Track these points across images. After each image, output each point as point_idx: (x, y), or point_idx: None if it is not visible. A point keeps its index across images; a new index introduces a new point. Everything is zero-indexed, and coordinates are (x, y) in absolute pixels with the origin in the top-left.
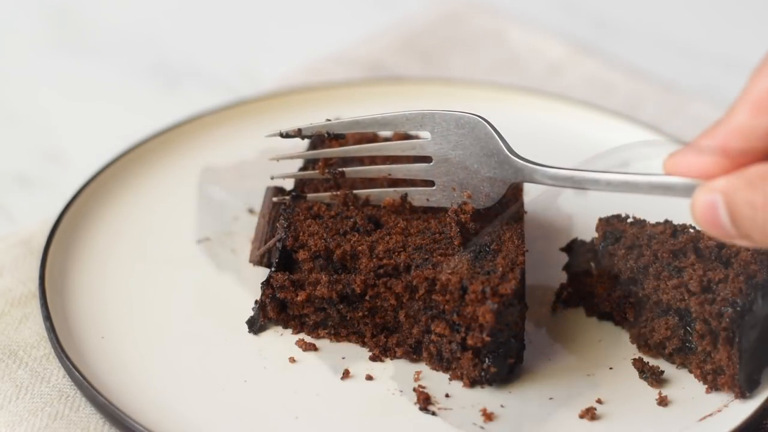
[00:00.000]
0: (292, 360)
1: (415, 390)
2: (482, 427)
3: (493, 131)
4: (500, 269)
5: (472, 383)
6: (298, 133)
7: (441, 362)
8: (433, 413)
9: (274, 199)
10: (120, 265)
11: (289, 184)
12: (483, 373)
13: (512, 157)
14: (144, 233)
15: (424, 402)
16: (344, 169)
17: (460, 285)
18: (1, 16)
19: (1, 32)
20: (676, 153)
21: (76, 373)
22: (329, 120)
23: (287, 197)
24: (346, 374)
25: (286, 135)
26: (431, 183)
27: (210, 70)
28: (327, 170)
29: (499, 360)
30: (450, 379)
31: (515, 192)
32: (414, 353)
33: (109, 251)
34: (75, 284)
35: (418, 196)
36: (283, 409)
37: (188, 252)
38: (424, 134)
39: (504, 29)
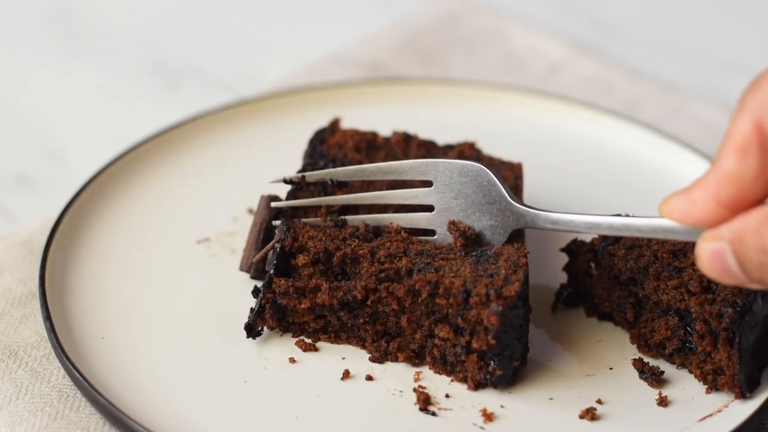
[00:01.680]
0: (292, 360)
1: (415, 390)
2: (482, 428)
3: (495, 178)
4: (503, 272)
5: (477, 386)
6: (302, 180)
7: (444, 366)
8: (433, 413)
9: (276, 230)
10: (120, 265)
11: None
12: (488, 376)
13: (514, 203)
14: (144, 233)
15: (424, 402)
16: (346, 217)
17: (463, 288)
18: (2, 17)
19: (1, 32)
20: (670, 198)
21: (76, 373)
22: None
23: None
24: (346, 374)
25: (289, 181)
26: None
27: (210, 70)
28: (329, 217)
29: (504, 362)
30: (451, 381)
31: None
32: (416, 358)
33: (110, 251)
34: (75, 284)
35: None
36: (283, 410)
37: (188, 252)
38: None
39: (504, 29)
